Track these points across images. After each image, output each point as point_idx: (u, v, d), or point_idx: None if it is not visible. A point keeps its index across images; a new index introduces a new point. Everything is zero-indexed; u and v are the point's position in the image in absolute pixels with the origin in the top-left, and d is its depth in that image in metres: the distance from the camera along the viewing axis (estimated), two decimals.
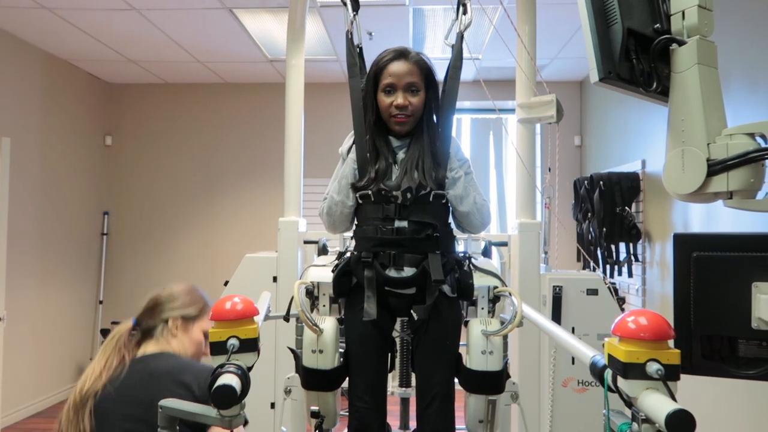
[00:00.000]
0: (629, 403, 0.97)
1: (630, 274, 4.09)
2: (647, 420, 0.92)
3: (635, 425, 0.94)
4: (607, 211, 4.07)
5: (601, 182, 4.10)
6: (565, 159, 5.48)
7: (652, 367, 0.92)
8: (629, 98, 4.41)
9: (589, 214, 4.26)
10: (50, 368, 5.00)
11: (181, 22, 4.19)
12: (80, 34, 4.41)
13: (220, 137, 5.78)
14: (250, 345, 1.10)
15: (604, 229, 4.06)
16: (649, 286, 4.04)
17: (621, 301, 3.86)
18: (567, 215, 4.72)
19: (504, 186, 5.73)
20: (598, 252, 4.18)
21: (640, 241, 4.08)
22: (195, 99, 5.84)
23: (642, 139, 4.23)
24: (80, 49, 4.80)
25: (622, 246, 4.15)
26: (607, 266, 4.16)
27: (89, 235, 5.60)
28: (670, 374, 0.92)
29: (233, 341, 1.08)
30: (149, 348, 1.56)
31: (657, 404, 0.88)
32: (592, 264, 4.18)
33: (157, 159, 5.84)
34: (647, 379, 0.93)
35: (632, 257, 4.08)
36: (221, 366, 1.03)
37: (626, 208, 4.07)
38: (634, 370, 0.94)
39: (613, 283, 4.06)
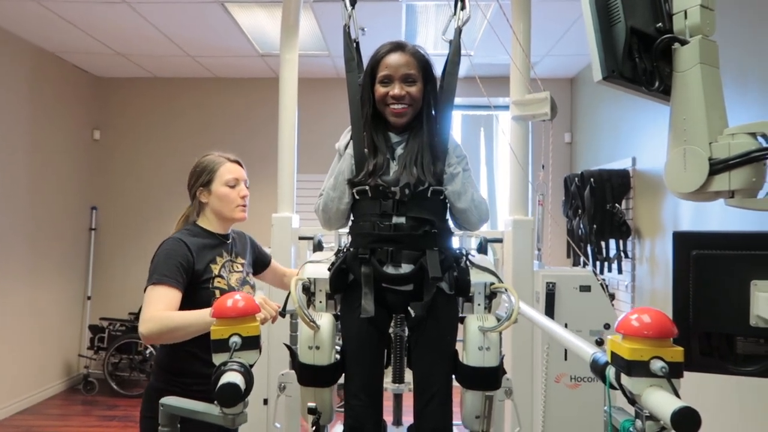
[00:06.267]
0: (632, 400, 0.97)
1: (620, 271, 4.12)
2: (651, 417, 0.92)
3: (639, 422, 0.94)
4: (598, 208, 4.10)
5: (592, 179, 4.12)
6: (555, 156, 5.50)
7: (656, 365, 0.93)
8: (619, 96, 4.41)
9: (580, 211, 4.29)
10: (38, 364, 4.95)
11: (172, 15, 4.15)
12: (69, 26, 4.35)
13: (210, 131, 5.74)
14: (252, 342, 1.10)
15: (595, 226, 4.09)
16: (638, 283, 4.07)
17: (611, 297, 3.89)
18: (557, 212, 4.75)
19: (495, 182, 5.75)
20: (588, 248, 4.21)
21: (630, 238, 4.11)
22: (185, 93, 5.79)
23: (632, 137, 4.26)
24: (68, 42, 4.74)
25: (612, 242, 4.18)
26: (597, 263, 4.19)
27: (77, 231, 5.54)
28: (674, 372, 0.93)
29: (235, 339, 1.07)
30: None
31: (662, 401, 0.89)
32: (582, 260, 4.21)
33: (146, 153, 5.79)
34: (651, 376, 0.94)
35: (622, 254, 4.11)
36: (224, 364, 1.02)
37: (616, 205, 4.10)
38: (638, 368, 0.95)
39: (603, 280, 4.09)
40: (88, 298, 5.61)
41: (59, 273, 5.23)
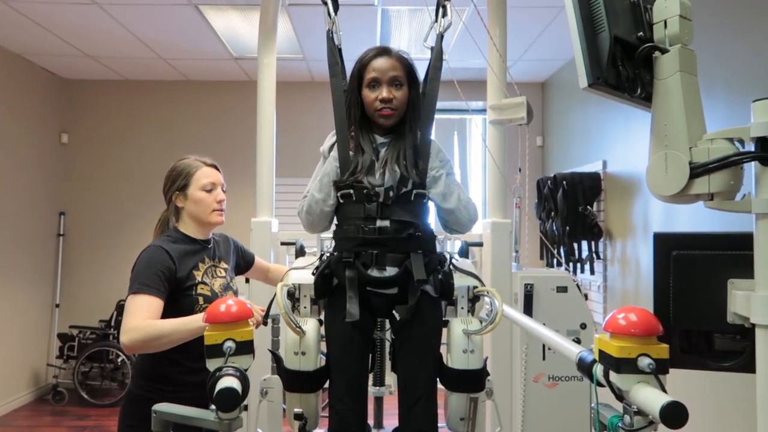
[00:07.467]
0: (620, 396, 1.01)
1: (592, 272, 4.21)
2: (639, 412, 0.96)
3: (627, 417, 0.98)
4: (570, 210, 4.18)
5: (564, 182, 4.21)
6: (527, 159, 5.58)
7: (644, 362, 0.96)
8: (590, 100, 4.50)
9: (552, 213, 4.37)
10: (4, 375, 4.81)
11: (143, 17, 4.10)
12: (35, 27, 4.25)
13: (183, 135, 5.66)
14: (246, 347, 1.09)
15: (567, 228, 4.17)
16: (610, 283, 4.17)
17: (584, 297, 3.98)
18: (530, 214, 4.83)
19: (468, 186, 5.81)
20: (561, 250, 4.30)
21: (601, 239, 4.21)
22: (156, 96, 5.71)
23: (602, 140, 4.36)
24: (35, 43, 4.63)
25: (584, 244, 4.27)
26: (570, 264, 4.27)
27: (44, 237, 5.40)
28: (660, 368, 0.97)
29: (230, 344, 1.06)
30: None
31: (650, 397, 0.92)
32: (555, 261, 4.29)
33: (116, 157, 5.68)
34: (639, 373, 0.97)
35: (594, 255, 4.20)
36: (219, 369, 1.01)
37: (588, 207, 4.20)
38: (626, 365, 0.98)
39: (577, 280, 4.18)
40: (57, 305, 5.47)
41: (26, 280, 5.09)
